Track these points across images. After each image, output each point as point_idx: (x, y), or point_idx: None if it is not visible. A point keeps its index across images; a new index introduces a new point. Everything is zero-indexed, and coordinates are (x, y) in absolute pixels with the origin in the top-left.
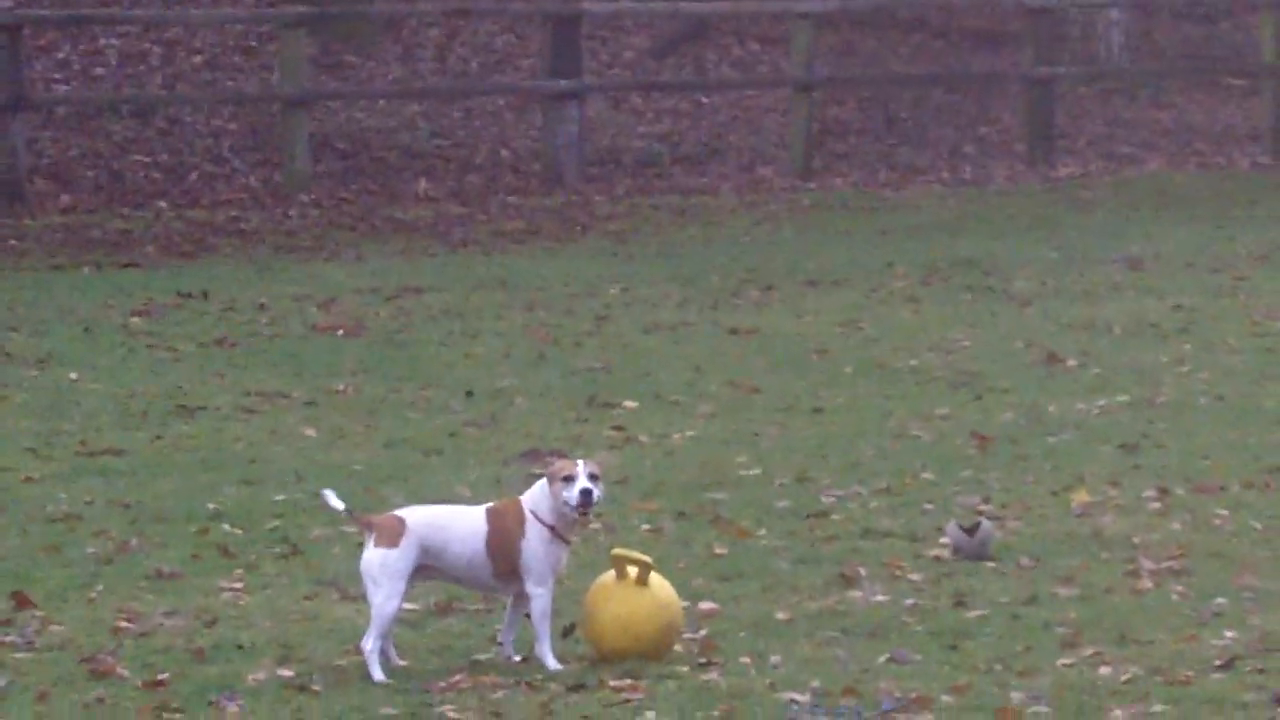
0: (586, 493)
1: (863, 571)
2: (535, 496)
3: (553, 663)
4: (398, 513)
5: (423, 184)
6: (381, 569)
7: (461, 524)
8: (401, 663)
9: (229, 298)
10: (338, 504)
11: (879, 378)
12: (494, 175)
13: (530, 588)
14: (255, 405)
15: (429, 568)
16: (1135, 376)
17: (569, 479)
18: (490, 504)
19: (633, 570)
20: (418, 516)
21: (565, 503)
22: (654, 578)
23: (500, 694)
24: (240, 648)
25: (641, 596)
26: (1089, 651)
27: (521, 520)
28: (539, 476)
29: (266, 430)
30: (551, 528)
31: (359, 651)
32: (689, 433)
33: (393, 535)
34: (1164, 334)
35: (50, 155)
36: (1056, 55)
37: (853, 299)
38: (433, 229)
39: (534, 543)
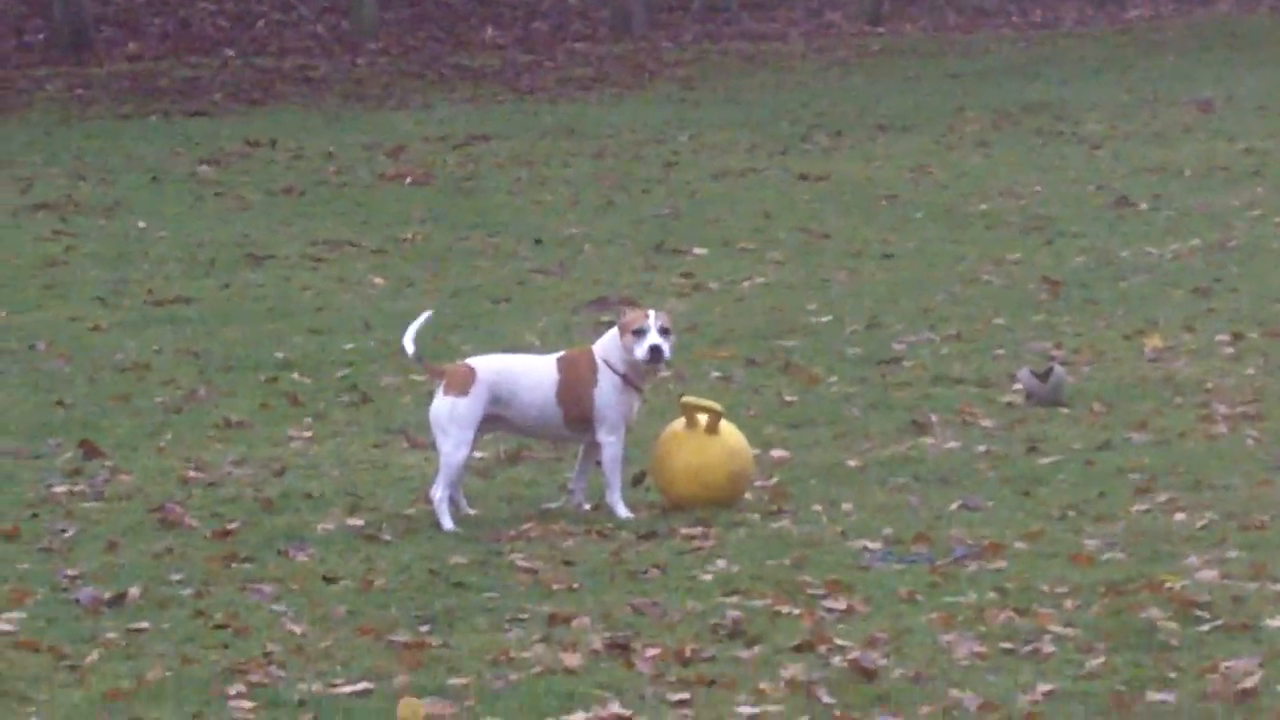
0: (655, 349)
1: (934, 418)
2: (607, 345)
3: (623, 511)
4: (468, 361)
5: (490, 31)
6: (450, 417)
7: (532, 373)
8: (471, 511)
9: (297, 146)
10: (410, 347)
11: (949, 223)
12: (561, 22)
13: (602, 436)
14: (323, 254)
15: (498, 418)
16: (1207, 220)
17: (639, 332)
18: (561, 352)
19: (703, 418)
20: (488, 365)
21: (635, 356)
22: (724, 425)
23: (570, 542)
24: (309, 497)
25: (712, 444)
26: (1163, 497)
27: (594, 369)
28: (609, 324)
29: (335, 279)
30: (623, 376)
31: (428, 501)
32: (758, 279)
33: (462, 384)
34: (1235, 177)
35: (116, 3)
36: None
37: (922, 144)
38: (500, 76)
39: (606, 391)
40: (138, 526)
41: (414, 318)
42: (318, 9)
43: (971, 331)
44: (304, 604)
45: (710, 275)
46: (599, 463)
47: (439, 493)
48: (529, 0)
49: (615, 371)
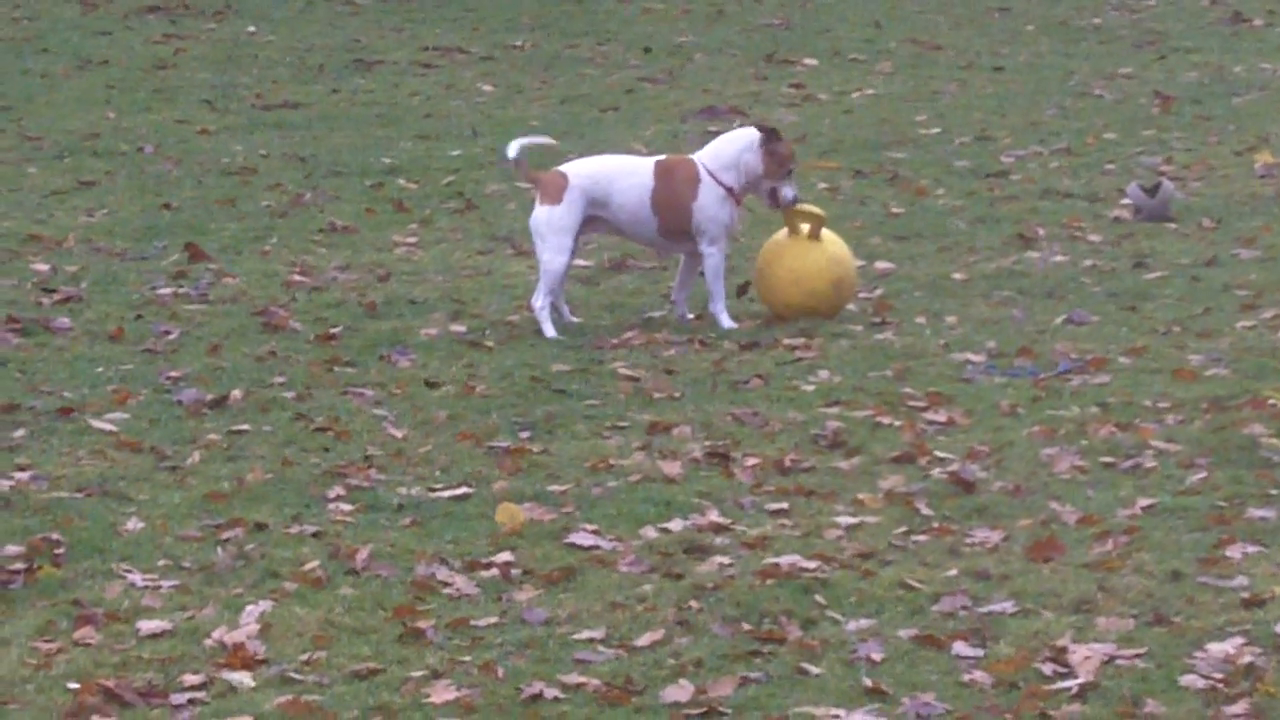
0: (795, 197)
1: (1041, 232)
2: (719, 156)
3: (727, 321)
4: (561, 168)
5: None
6: (548, 225)
7: (627, 177)
8: (574, 319)
9: None
10: (513, 151)
11: (1061, 36)
12: None
13: (704, 247)
14: (432, 60)
15: (598, 219)
16: None
17: (789, 174)
18: (660, 158)
19: (805, 225)
20: (580, 169)
21: (782, 194)
22: (826, 234)
23: (672, 351)
24: (413, 303)
25: (814, 251)
26: (1269, 314)
27: (695, 179)
28: (715, 133)
29: (443, 85)
30: (729, 189)
31: (530, 308)
32: (868, 90)
33: (556, 191)
34: None
35: None
36: None
37: None
38: None
39: (708, 203)
40: (241, 329)
41: (523, 125)
42: None
43: (1081, 146)
44: (405, 409)
45: (820, 86)
46: (702, 273)
47: (540, 300)
48: None
49: (721, 184)
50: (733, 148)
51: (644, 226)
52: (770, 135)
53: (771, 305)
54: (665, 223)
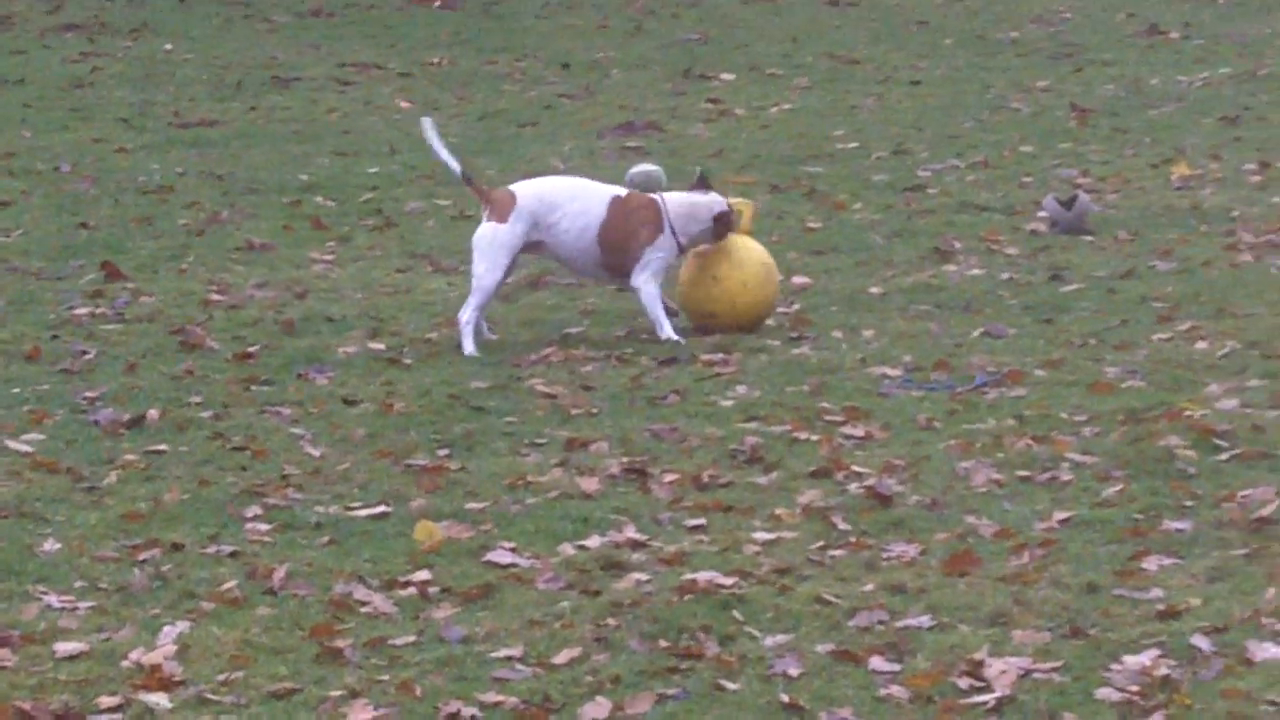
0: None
1: (958, 245)
2: (679, 213)
3: (674, 335)
4: (511, 186)
5: None
6: (490, 241)
7: (578, 202)
8: (493, 336)
9: None
10: (455, 165)
11: (979, 49)
12: None
13: (639, 281)
14: (350, 76)
15: (539, 243)
16: (1238, 48)
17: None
18: (620, 192)
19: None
20: (529, 190)
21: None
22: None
23: (590, 367)
24: (331, 320)
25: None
26: (1185, 326)
27: (655, 225)
28: (634, 149)
29: (361, 102)
30: (680, 244)
31: (456, 324)
32: (785, 105)
33: (503, 209)
34: (1268, 5)
35: None
36: None
37: None
38: None
39: (661, 251)
40: (158, 348)
41: (443, 142)
42: None
43: (998, 159)
44: (323, 427)
45: (737, 101)
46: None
47: (467, 315)
48: None
49: (676, 238)
50: (701, 214)
51: (586, 257)
52: (726, 217)
53: (716, 312)
54: (608, 258)
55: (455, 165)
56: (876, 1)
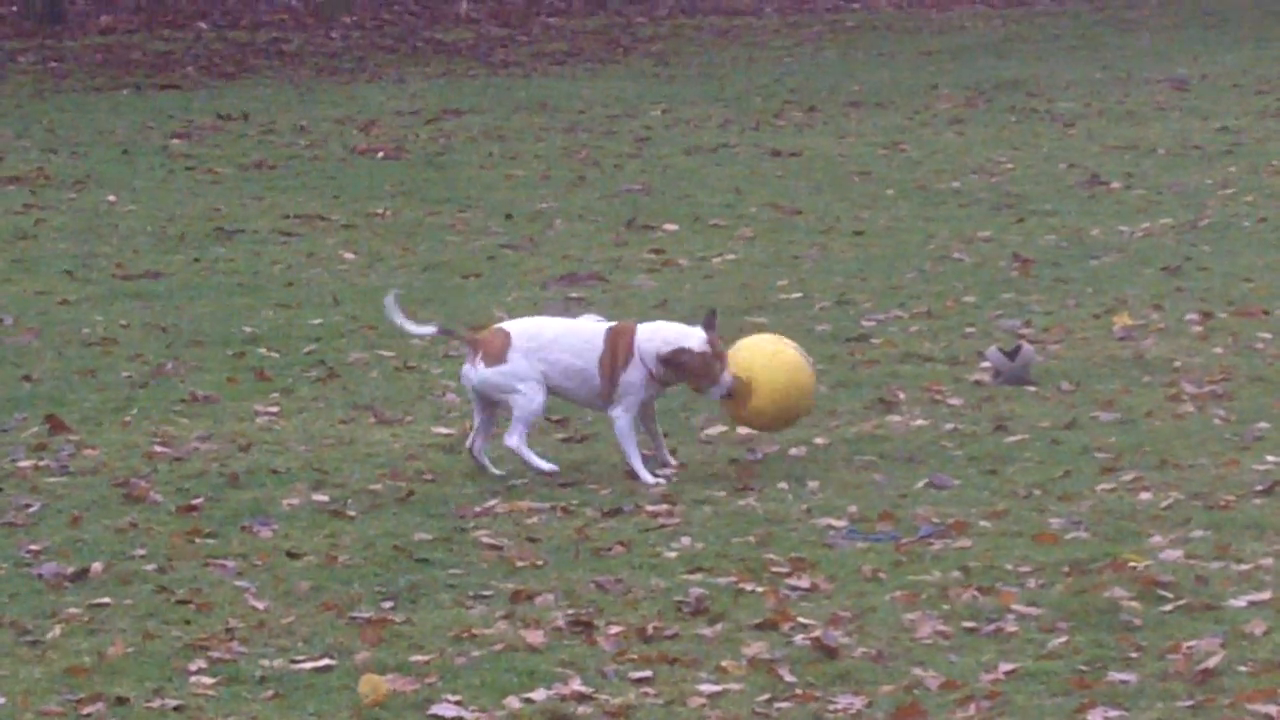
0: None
1: (902, 396)
2: (651, 341)
3: (648, 476)
4: (502, 326)
5: (464, 5)
6: (514, 376)
7: (572, 337)
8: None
9: (269, 120)
10: (427, 330)
11: (921, 200)
12: None
13: (616, 412)
14: (294, 228)
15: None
16: (1179, 199)
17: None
18: (612, 324)
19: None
20: (522, 329)
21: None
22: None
23: (535, 519)
24: (275, 472)
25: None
26: (1129, 476)
27: (627, 355)
28: (578, 299)
29: (304, 253)
30: (651, 373)
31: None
32: (729, 255)
33: (500, 348)
34: (1209, 156)
35: None
36: None
37: (896, 121)
38: (474, 50)
39: (631, 379)
40: (102, 501)
41: (385, 292)
42: None
43: (941, 309)
44: (267, 579)
45: (681, 251)
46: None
47: (514, 439)
48: None
49: (646, 366)
50: (661, 336)
51: (585, 387)
52: (677, 357)
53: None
54: (606, 388)
55: (429, 329)
56: (819, 151)
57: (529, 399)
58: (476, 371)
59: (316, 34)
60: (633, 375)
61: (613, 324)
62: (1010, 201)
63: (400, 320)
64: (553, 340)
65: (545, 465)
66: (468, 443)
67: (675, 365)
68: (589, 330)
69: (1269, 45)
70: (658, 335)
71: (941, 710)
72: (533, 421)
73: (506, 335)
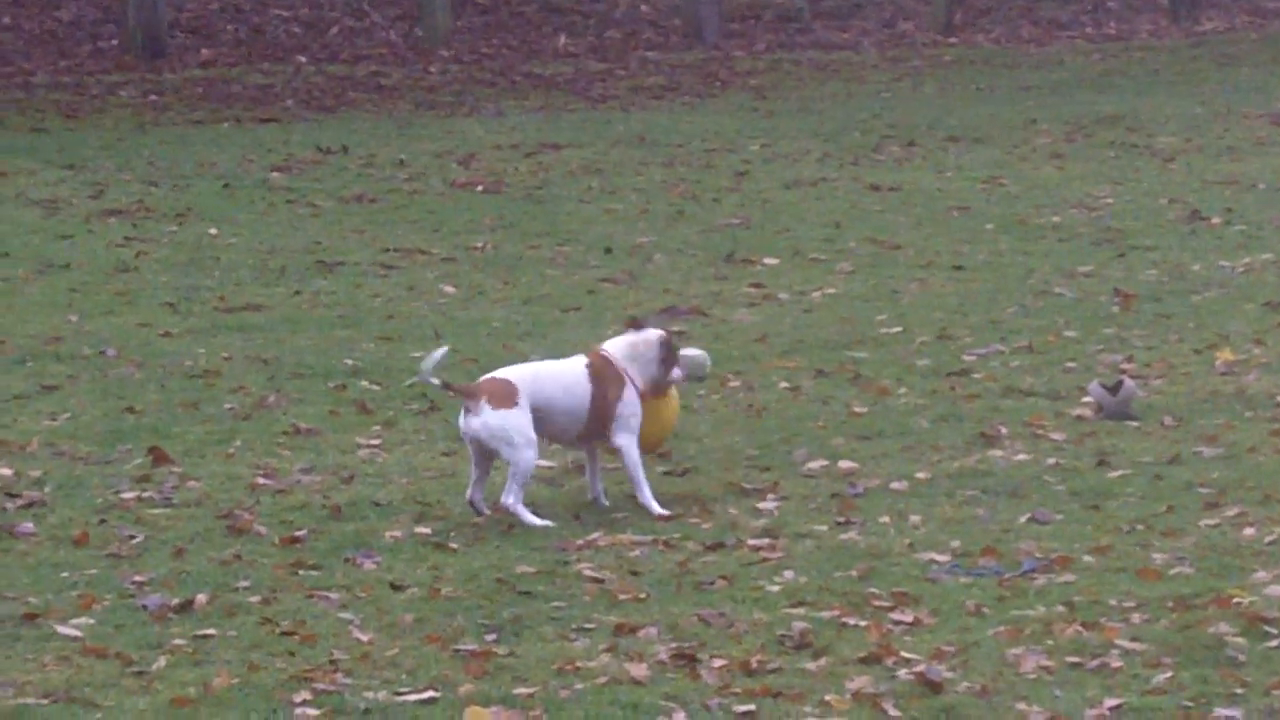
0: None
1: (1004, 430)
2: (627, 355)
3: (658, 508)
4: (501, 374)
5: (562, 39)
6: (512, 428)
7: (567, 378)
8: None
9: (368, 153)
10: (434, 380)
11: (1021, 234)
12: (634, 30)
13: (621, 440)
14: (394, 261)
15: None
16: (1279, 234)
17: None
18: (585, 359)
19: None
20: (521, 374)
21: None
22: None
23: (637, 552)
24: (377, 505)
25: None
26: (1232, 512)
27: (620, 378)
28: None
29: (405, 286)
30: (639, 389)
31: (499, 509)
32: (829, 290)
33: (509, 396)
34: None
35: (191, 9)
36: None
37: (995, 155)
38: (572, 85)
39: (630, 404)
40: (206, 533)
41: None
42: (391, 16)
43: (1042, 344)
44: (371, 612)
45: (780, 285)
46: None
47: (511, 498)
48: (602, 9)
49: (633, 383)
50: (643, 351)
51: (575, 424)
52: (668, 342)
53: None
54: (592, 422)
55: (435, 380)
56: (918, 186)
57: (527, 456)
58: (480, 418)
59: (415, 68)
60: (629, 396)
61: (584, 358)
62: (1111, 236)
63: (429, 367)
64: (549, 378)
65: (540, 522)
66: (468, 495)
67: (669, 349)
68: (574, 367)
69: None
70: (636, 345)
71: None
72: (527, 481)
73: (509, 381)
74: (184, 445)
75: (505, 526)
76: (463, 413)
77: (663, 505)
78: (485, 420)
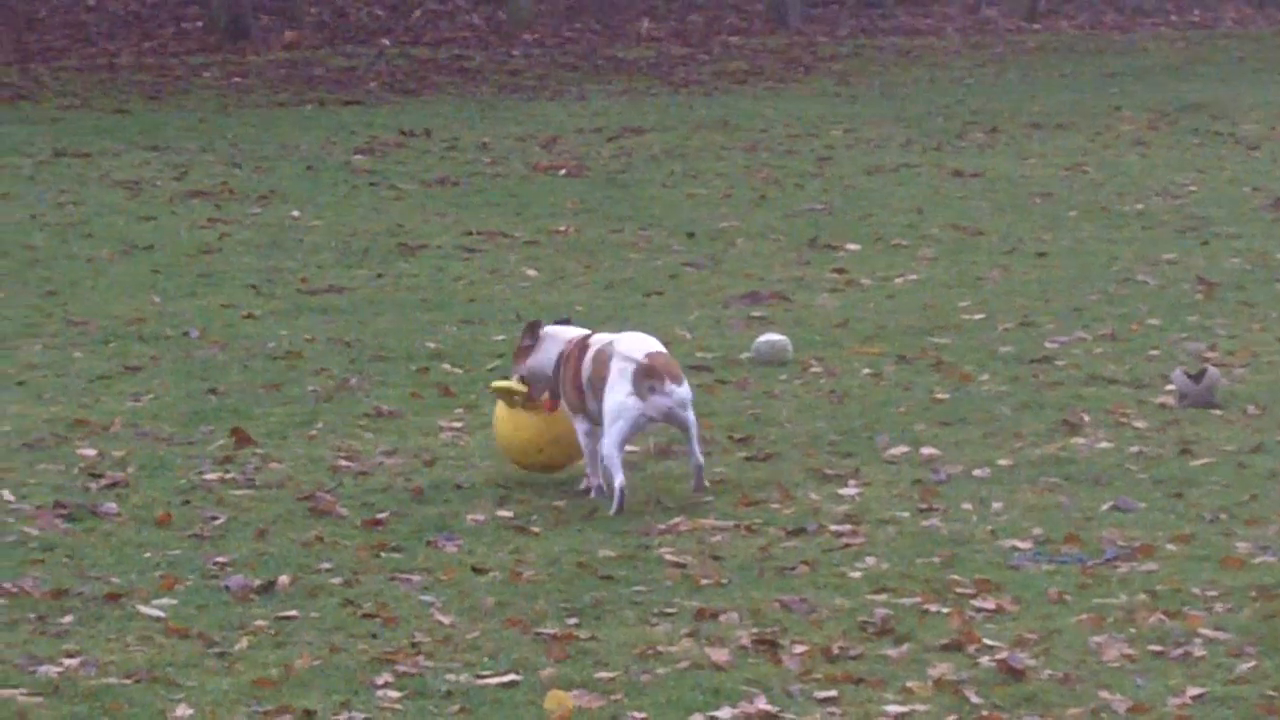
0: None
1: (1086, 418)
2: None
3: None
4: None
5: (645, 23)
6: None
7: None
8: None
9: (451, 136)
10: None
11: (1104, 222)
12: (716, 15)
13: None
14: (476, 244)
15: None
16: None
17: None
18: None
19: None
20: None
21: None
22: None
23: (719, 537)
24: (459, 488)
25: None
26: None
27: (606, 360)
28: (759, 319)
29: (487, 269)
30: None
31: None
32: (911, 276)
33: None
34: None
35: None
36: None
37: (1078, 142)
38: (655, 69)
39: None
40: (288, 515)
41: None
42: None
43: (1125, 331)
44: (452, 594)
45: (862, 271)
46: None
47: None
48: None
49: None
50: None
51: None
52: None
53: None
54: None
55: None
56: (1000, 173)
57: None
58: (681, 389)
59: (498, 51)
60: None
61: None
62: (1194, 224)
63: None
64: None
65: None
66: (618, 482)
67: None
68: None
69: None
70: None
71: None
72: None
73: (663, 352)
74: (266, 427)
75: (587, 511)
76: (647, 391)
77: (745, 491)
78: (684, 392)
